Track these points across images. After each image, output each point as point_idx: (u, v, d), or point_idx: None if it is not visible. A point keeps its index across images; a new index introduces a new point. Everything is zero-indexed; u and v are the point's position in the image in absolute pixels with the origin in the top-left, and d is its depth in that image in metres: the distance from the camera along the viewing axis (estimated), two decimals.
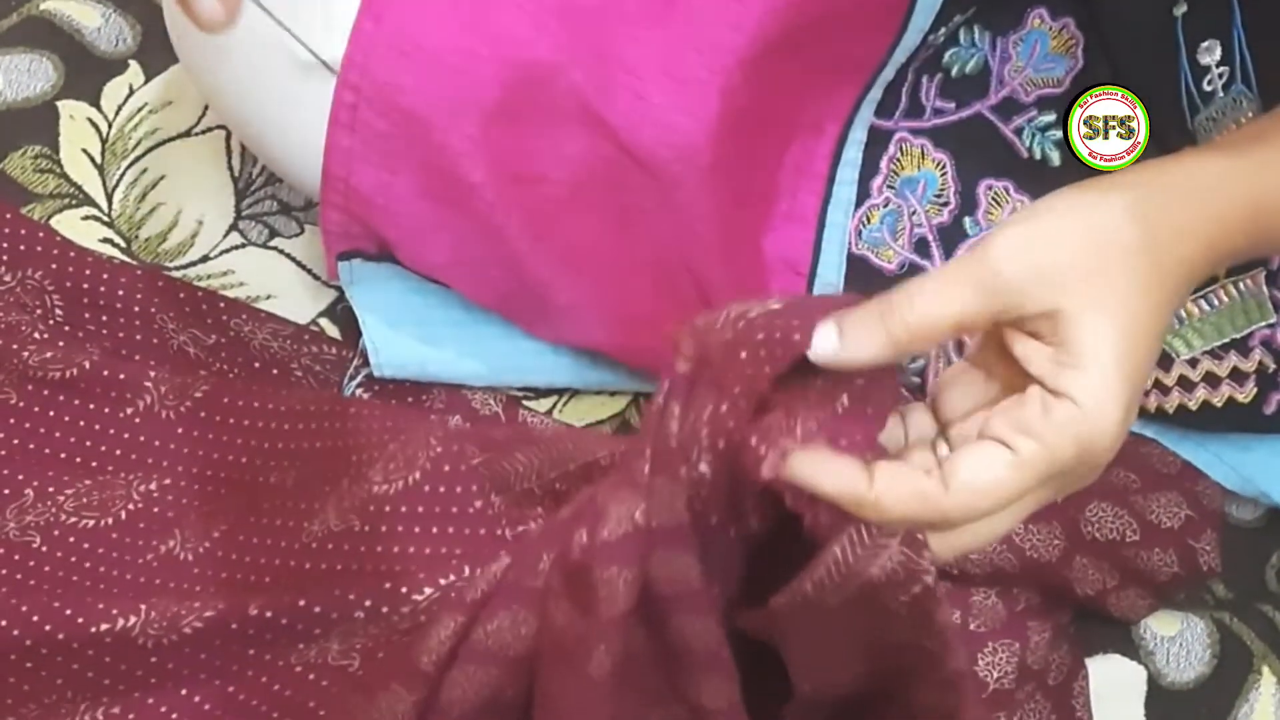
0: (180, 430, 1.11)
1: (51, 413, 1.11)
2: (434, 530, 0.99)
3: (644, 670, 0.81)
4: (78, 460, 1.10)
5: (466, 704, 0.86)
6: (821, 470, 0.69)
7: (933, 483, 0.68)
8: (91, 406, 1.12)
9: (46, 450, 1.11)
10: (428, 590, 0.94)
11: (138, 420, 1.11)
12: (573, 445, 1.01)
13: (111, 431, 1.11)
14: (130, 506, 1.05)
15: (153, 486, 1.07)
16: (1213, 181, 0.77)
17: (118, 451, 1.10)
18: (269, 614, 0.94)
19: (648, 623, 0.78)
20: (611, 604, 0.75)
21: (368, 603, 0.94)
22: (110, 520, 1.03)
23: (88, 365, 1.12)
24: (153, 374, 1.13)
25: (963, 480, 0.68)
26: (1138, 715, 1.15)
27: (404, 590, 0.94)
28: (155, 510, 1.05)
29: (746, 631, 0.79)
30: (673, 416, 0.75)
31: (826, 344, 0.71)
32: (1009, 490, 0.69)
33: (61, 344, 1.14)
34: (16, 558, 1.03)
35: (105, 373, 1.12)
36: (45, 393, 1.12)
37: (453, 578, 0.95)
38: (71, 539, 1.03)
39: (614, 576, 0.75)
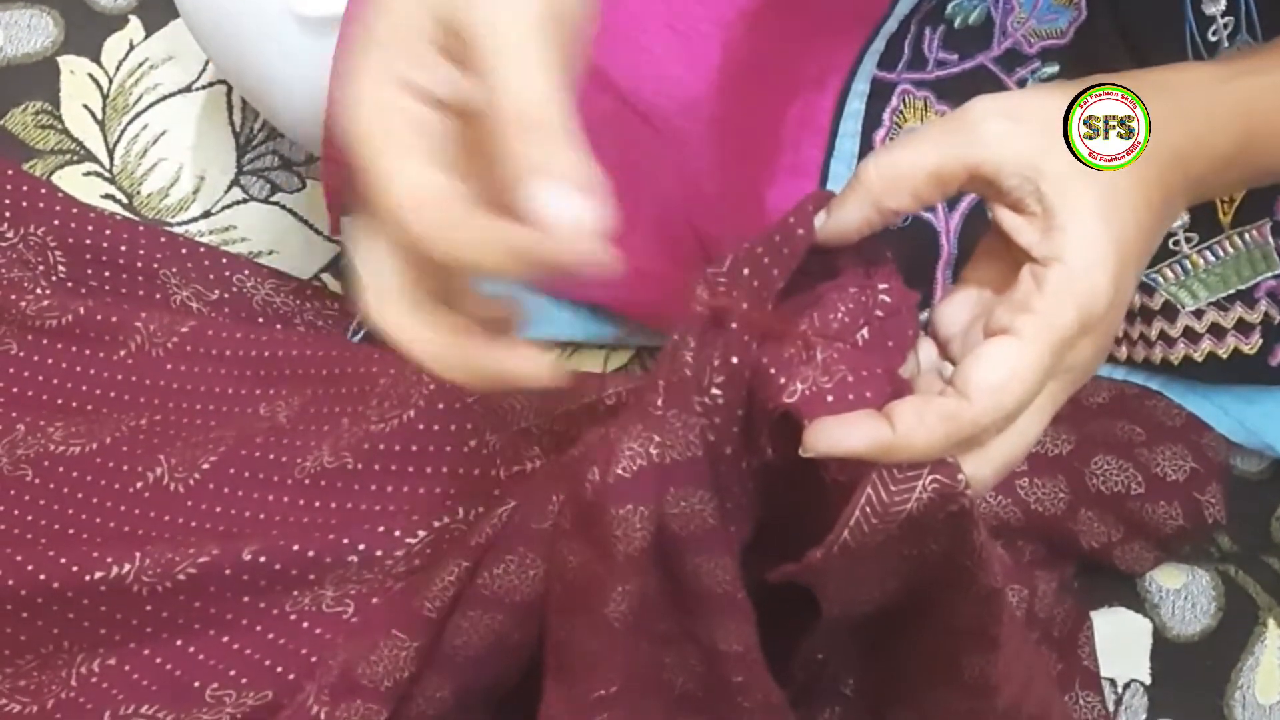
0: (169, 366, 1.11)
1: (50, 360, 1.12)
2: (427, 470, 0.98)
3: (657, 614, 0.80)
4: (74, 405, 1.11)
5: (472, 650, 0.86)
6: (839, 433, 0.69)
7: (952, 399, 0.68)
8: (87, 352, 1.12)
9: (44, 396, 1.11)
10: (421, 533, 0.94)
11: (130, 361, 1.11)
12: (574, 384, 1.00)
13: (105, 374, 1.11)
14: (117, 434, 1.04)
15: (143, 422, 1.07)
16: (1200, 79, 0.78)
17: (111, 394, 1.11)
18: (262, 559, 0.93)
19: (662, 564, 0.78)
20: (628, 542, 0.74)
21: (361, 546, 0.94)
22: (95, 445, 1.03)
23: (82, 311, 1.12)
24: (143, 314, 1.13)
25: (978, 382, 0.67)
26: (1143, 668, 1.15)
27: (397, 533, 0.94)
28: (141, 437, 1.05)
29: (773, 582, 0.79)
30: (687, 349, 0.74)
31: (818, 219, 0.72)
32: (1026, 376, 0.68)
33: (60, 294, 1.14)
34: (12, 493, 1.04)
35: (99, 317, 1.12)
36: (44, 341, 1.12)
37: (446, 519, 0.94)
38: (61, 468, 1.03)
39: (630, 514, 0.74)
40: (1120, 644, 1.15)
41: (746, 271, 0.73)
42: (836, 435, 0.68)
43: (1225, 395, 1.16)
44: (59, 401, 1.11)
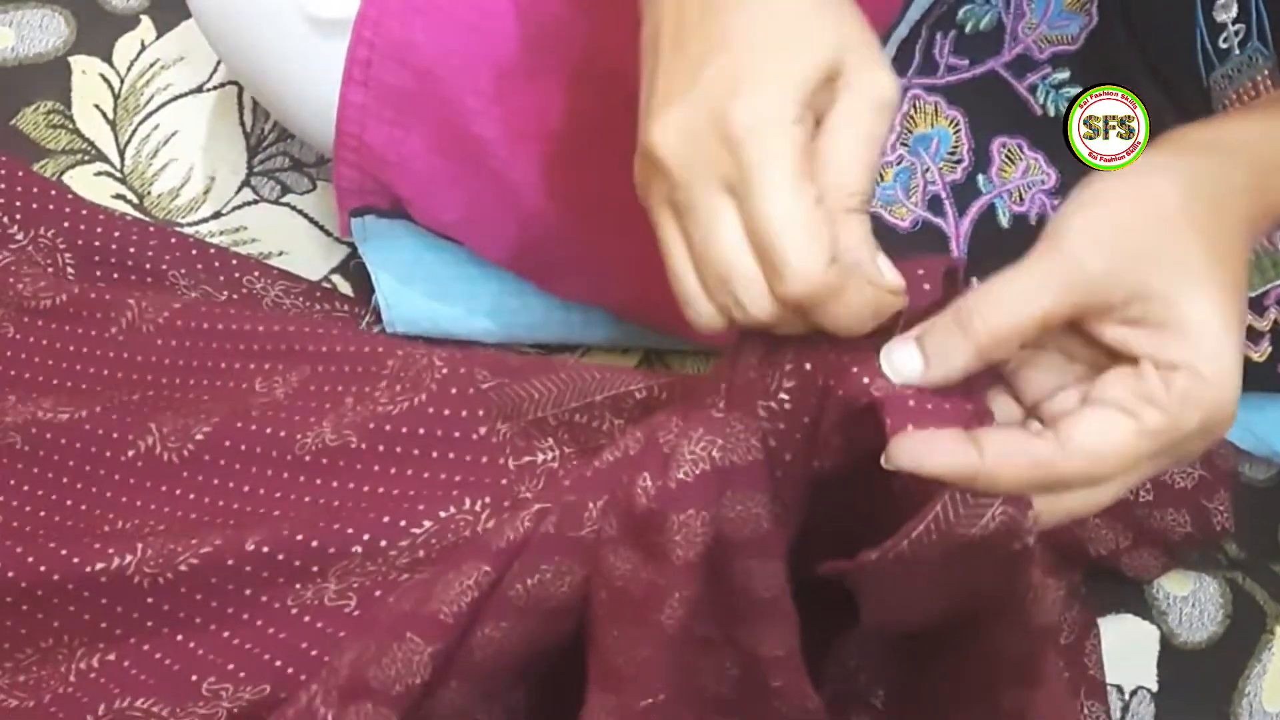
0: (159, 341, 1.10)
1: (44, 341, 1.11)
2: (433, 455, 0.97)
3: (700, 618, 0.79)
4: (68, 384, 1.10)
5: (502, 659, 0.85)
6: (925, 451, 0.67)
7: (1048, 446, 0.67)
8: (79, 330, 1.11)
9: (40, 377, 1.11)
10: (427, 523, 0.92)
11: (121, 338, 1.11)
12: (599, 375, 0.99)
13: (97, 352, 1.10)
14: (107, 404, 1.04)
15: (134, 396, 1.06)
16: (1250, 139, 0.76)
17: (104, 371, 1.10)
18: (265, 549, 0.92)
19: (712, 568, 0.76)
20: (689, 547, 0.74)
21: (365, 536, 0.92)
22: (85, 413, 1.02)
23: (76, 290, 1.12)
24: (136, 292, 1.13)
25: (1080, 443, 0.67)
26: (1150, 674, 1.15)
27: (402, 523, 0.92)
28: (130, 406, 1.04)
29: (820, 576, 0.78)
30: (752, 352, 0.74)
31: (911, 364, 0.70)
32: (1129, 456, 0.67)
33: (57, 276, 1.15)
34: (4, 461, 1.03)
35: (92, 296, 1.12)
36: (39, 322, 1.12)
37: (452, 509, 0.93)
38: (49, 435, 1.02)
39: (692, 519, 0.73)
40: (1127, 651, 1.15)
41: None
42: (922, 453, 0.67)
43: None
44: (55, 381, 1.10)
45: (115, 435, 1.01)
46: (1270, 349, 1.09)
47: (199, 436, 1.00)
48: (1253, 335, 1.09)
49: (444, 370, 0.99)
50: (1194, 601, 1.17)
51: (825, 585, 0.75)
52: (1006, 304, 0.68)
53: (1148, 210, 0.70)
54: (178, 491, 1.00)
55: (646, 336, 1.21)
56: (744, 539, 0.76)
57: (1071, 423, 0.68)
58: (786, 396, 0.73)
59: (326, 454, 0.98)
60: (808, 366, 0.72)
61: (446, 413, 0.97)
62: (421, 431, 0.97)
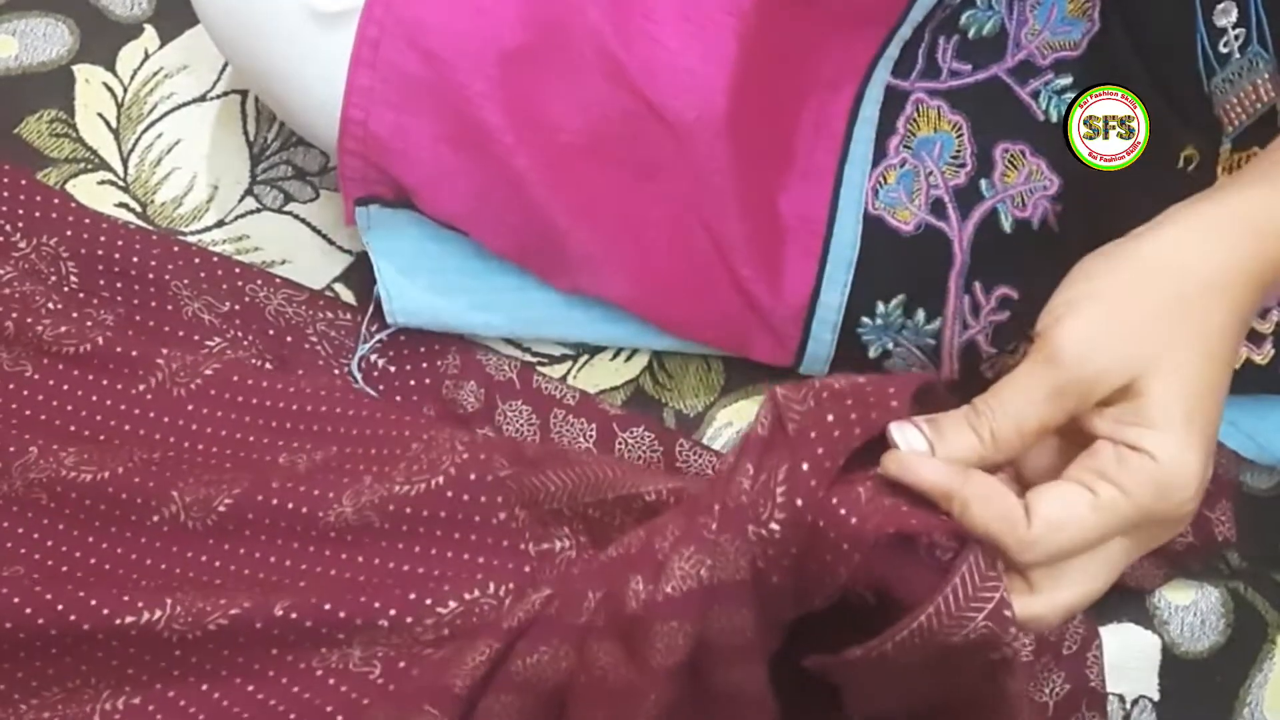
0: (190, 407, 1.11)
1: (65, 386, 1.11)
2: (455, 536, 1.00)
3: (683, 713, 0.82)
4: (86, 433, 1.10)
5: None
6: (922, 464, 0.73)
7: (1020, 509, 0.71)
8: (105, 382, 1.12)
9: (57, 421, 1.11)
10: (452, 604, 0.95)
11: (149, 397, 1.11)
12: (613, 473, 1.00)
13: (122, 407, 1.11)
14: (129, 464, 1.04)
15: (155, 455, 1.06)
16: (1235, 212, 0.79)
17: (126, 426, 1.10)
18: (294, 615, 0.94)
19: (694, 668, 0.79)
20: (669, 655, 0.77)
21: (392, 612, 0.95)
22: (107, 474, 1.02)
23: (101, 341, 1.12)
24: (165, 350, 1.13)
25: (1043, 513, 0.71)
26: (1151, 685, 1.15)
27: (428, 602, 0.95)
28: (153, 469, 1.04)
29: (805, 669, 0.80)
30: (745, 475, 0.76)
31: (919, 442, 0.75)
32: (1087, 529, 0.71)
33: (75, 316, 1.14)
34: (29, 515, 1.04)
35: (118, 349, 1.12)
36: (60, 367, 1.12)
37: (477, 593, 0.96)
38: (74, 494, 1.03)
39: (675, 630, 0.77)
40: (1129, 660, 1.14)
41: (831, 418, 0.75)
42: (915, 465, 0.73)
43: (1237, 410, 1.16)
44: (71, 428, 1.10)
45: (139, 500, 1.03)
46: (1273, 351, 1.09)
47: (221, 508, 1.02)
48: (1255, 338, 1.09)
49: (464, 455, 1.00)
50: (1195, 611, 1.16)
51: (811, 676, 0.79)
52: (1009, 415, 0.74)
53: (1142, 306, 0.74)
54: (203, 558, 1.02)
55: (648, 336, 1.20)
56: (728, 647, 0.79)
57: (1037, 494, 0.73)
58: (777, 527, 0.75)
59: (350, 531, 1.01)
60: (799, 503, 0.74)
61: (465, 497, 1.00)
62: (442, 514, 1.00)
